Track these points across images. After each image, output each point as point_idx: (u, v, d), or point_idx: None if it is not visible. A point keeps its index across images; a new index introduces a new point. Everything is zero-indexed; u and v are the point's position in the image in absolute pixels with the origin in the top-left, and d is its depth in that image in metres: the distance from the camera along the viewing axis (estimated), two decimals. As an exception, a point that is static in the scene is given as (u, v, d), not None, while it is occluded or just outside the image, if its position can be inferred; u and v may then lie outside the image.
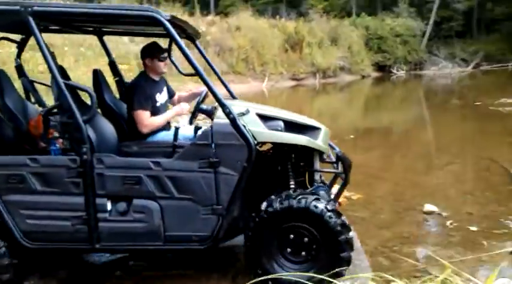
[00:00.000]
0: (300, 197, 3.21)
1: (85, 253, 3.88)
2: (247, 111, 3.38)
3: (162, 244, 3.25)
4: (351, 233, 3.20)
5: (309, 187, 3.64)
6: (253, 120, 3.36)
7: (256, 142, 3.23)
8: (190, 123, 3.78)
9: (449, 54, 29.03)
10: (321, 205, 3.17)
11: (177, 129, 3.62)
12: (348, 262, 3.16)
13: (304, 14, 27.94)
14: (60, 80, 3.12)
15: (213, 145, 3.18)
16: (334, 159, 3.84)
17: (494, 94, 13.90)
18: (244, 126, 3.20)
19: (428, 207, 4.92)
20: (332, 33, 25.80)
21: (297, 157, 3.68)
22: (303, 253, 3.25)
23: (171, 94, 4.18)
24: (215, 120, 3.27)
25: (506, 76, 23.11)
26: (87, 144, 3.13)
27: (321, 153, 3.62)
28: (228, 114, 3.17)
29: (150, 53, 3.81)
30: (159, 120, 3.74)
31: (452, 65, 28.11)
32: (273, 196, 3.27)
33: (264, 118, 3.48)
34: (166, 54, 3.84)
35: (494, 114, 11.25)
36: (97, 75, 3.92)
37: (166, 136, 3.70)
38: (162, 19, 3.06)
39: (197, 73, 3.22)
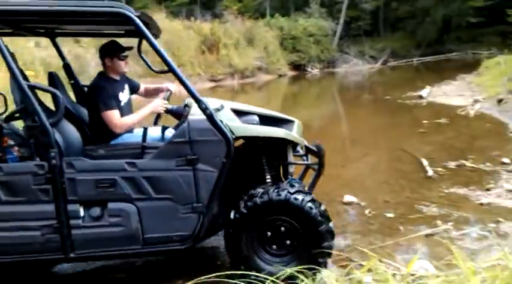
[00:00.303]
0: (279, 190, 3.19)
1: (58, 264, 3.72)
2: (222, 107, 3.33)
3: (141, 247, 3.15)
4: (331, 223, 3.21)
5: (283, 180, 3.68)
6: (229, 115, 3.32)
7: (234, 137, 3.19)
8: (155, 123, 3.71)
9: (359, 52, 30.37)
10: (300, 197, 3.17)
11: (145, 129, 3.45)
12: (329, 251, 3.17)
13: (219, 15, 27.91)
14: (23, 82, 3.00)
15: (190, 142, 3.13)
16: (302, 152, 3.86)
17: (402, 89, 14.74)
18: (221, 121, 3.15)
19: (348, 198, 5.08)
20: (247, 34, 26.01)
21: (270, 151, 3.63)
22: (285, 245, 3.24)
23: (135, 87, 4.01)
24: (191, 117, 3.21)
25: (412, 71, 24.62)
26: (55, 148, 3.00)
27: (294, 146, 3.64)
28: (204, 109, 3.12)
29: (110, 52, 3.63)
30: (131, 119, 3.54)
31: (362, 62, 29.44)
32: (252, 191, 3.24)
33: (239, 113, 3.46)
34: (127, 53, 3.68)
35: (402, 107, 11.92)
36: (53, 77, 3.67)
37: (131, 137, 3.54)
38: (132, 16, 2.91)
39: (170, 70, 3.14)
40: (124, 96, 3.69)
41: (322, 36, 29.59)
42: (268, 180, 3.48)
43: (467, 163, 6.27)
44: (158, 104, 3.57)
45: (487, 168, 6.04)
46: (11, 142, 3.16)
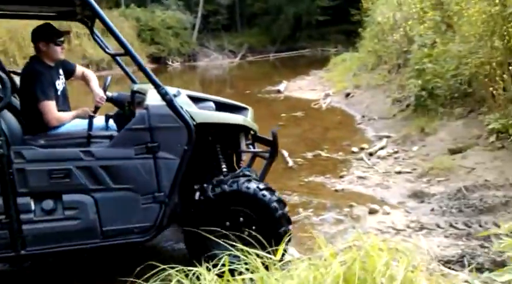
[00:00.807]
0: (231, 181, 3.12)
1: (7, 262, 3.39)
2: (179, 93, 3.18)
3: (100, 241, 2.98)
4: (287, 208, 3.20)
5: (237, 168, 3.59)
6: (186, 101, 3.18)
7: (195, 123, 3.09)
8: (95, 112, 3.44)
9: (218, 46, 30.83)
10: (253, 186, 3.11)
11: (91, 117, 3.25)
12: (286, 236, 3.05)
13: (70, 3, 26.01)
14: None
15: (150, 129, 3.00)
16: (249, 141, 3.77)
17: (261, 83, 15.31)
18: (181, 108, 3.04)
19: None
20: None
21: (223, 139, 3.52)
22: (243, 235, 3.02)
23: (70, 70, 3.74)
24: (150, 103, 3.07)
25: (269, 66, 25.72)
26: (2, 137, 2.76)
27: (246, 134, 3.58)
28: (164, 94, 3.00)
29: (46, 36, 3.37)
30: (67, 116, 3.37)
31: (222, 56, 29.95)
32: (205, 185, 3.17)
33: (194, 99, 3.33)
34: (63, 38, 3.48)
35: (262, 101, 12.38)
36: None
37: (72, 127, 3.34)
38: None
39: (126, 52, 2.99)
40: (60, 83, 3.47)
41: (181, 29, 29.38)
42: (225, 170, 3.40)
43: (323, 153, 6.76)
44: (85, 113, 3.39)
45: (340, 157, 6.58)
46: None
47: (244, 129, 3.53)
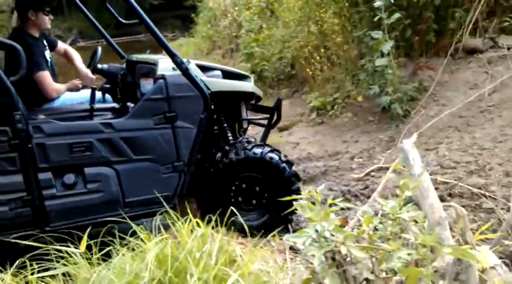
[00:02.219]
0: (255, 148, 3.28)
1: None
2: (189, 62, 3.14)
3: (124, 212, 2.91)
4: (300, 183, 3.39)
5: (238, 137, 3.64)
6: (197, 70, 3.19)
7: (210, 92, 3.13)
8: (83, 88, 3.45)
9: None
10: (275, 156, 3.29)
11: (94, 89, 3.20)
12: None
13: None
14: None
15: (168, 99, 3.03)
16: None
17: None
18: (196, 76, 3.07)
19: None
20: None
21: (226, 107, 3.54)
22: (254, 201, 3.34)
23: (52, 45, 3.67)
24: (166, 72, 3.09)
25: (102, 52, 24.36)
26: (20, 111, 2.67)
27: (246, 102, 3.66)
28: (180, 64, 3.02)
29: (35, 5, 3.29)
30: (62, 87, 3.33)
31: (50, 42, 27.63)
32: (227, 147, 3.30)
33: (201, 68, 3.31)
34: (49, 8, 3.40)
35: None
36: None
37: (66, 101, 3.27)
38: None
39: (141, 20, 2.97)
40: (47, 54, 3.43)
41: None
42: (230, 138, 3.49)
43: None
44: (75, 85, 3.42)
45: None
46: None
47: (245, 97, 3.63)
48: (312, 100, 6.21)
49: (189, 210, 2.43)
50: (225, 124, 3.56)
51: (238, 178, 3.32)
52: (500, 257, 3.03)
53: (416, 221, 1.76)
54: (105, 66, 3.66)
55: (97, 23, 3.77)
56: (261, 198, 3.38)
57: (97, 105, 3.22)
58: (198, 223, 2.16)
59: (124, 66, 3.81)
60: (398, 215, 1.73)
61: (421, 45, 5.63)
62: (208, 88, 3.16)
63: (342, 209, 3.66)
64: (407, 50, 5.69)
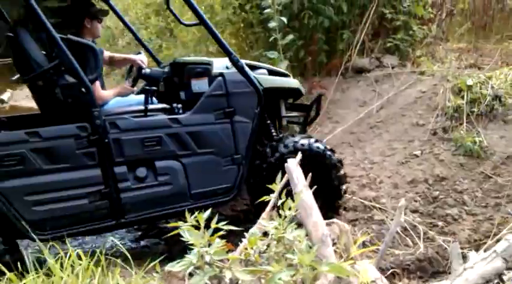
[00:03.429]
0: (301, 140, 3.41)
1: (108, 231, 3.40)
2: (239, 61, 3.30)
3: (190, 204, 3.10)
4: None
5: (278, 133, 3.68)
6: (248, 68, 3.34)
7: (262, 88, 3.33)
8: (133, 86, 3.58)
9: None
10: (321, 146, 3.46)
11: (147, 91, 3.25)
12: (344, 193, 3.60)
13: None
14: (56, 34, 2.73)
15: (227, 95, 3.23)
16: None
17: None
18: (250, 74, 3.27)
19: None
20: None
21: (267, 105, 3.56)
22: None
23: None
24: (224, 70, 3.29)
25: None
26: (98, 107, 2.82)
27: (285, 99, 3.79)
28: (236, 62, 3.23)
29: (91, 13, 3.40)
30: (109, 94, 3.33)
31: None
32: (274, 142, 3.43)
33: (250, 67, 3.43)
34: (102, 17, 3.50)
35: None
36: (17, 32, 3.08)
37: (117, 103, 3.29)
38: None
39: (202, 22, 3.15)
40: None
41: None
42: (274, 133, 3.59)
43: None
44: (126, 90, 3.45)
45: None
46: None
47: (290, 95, 3.80)
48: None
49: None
50: (268, 121, 3.65)
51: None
52: (391, 267, 3.20)
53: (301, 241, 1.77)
54: (148, 70, 3.72)
55: (131, 26, 3.97)
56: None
57: (151, 106, 3.28)
58: (79, 256, 2.00)
59: (166, 70, 3.91)
60: (282, 235, 1.73)
61: (314, 65, 5.87)
62: (261, 85, 3.37)
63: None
64: (301, 70, 5.89)
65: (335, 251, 1.88)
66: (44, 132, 2.73)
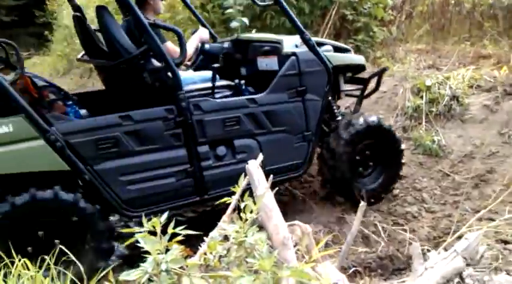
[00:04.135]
0: (371, 117, 3.63)
1: (191, 207, 3.64)
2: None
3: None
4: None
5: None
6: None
7: (332, 66, 3.45)
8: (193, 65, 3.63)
9: None
10: (386, 122, 3.76)
11: (214, 69, 3.30)
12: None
13: None
14: (145, 20, 2.83)
15: (300, 74, 3.34)
16: None
17: None
18: (321, 52, 3.38)
19: None
20: None
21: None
22: (371, 165, 3.75)
23: None
24: (297, 50, 3.39)
25: None
26: (183, 90, 2.91)
27: (345, 74, 3.84)
28: (308, 40, 3.34)
29: None
30: (190, 46, 3.43)
31: None
32: (344, 120, 3.60)
33: (316, 44, 3.48)
34: None
35: None
36: (103, 12, 3.13)
37: (183, 80, 3.07)
38: None
39: (276, 2, 3.33)
40: None
41: None
42: (336, 111, 3.73)
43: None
44: (202, 34, 3.60)
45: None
46: (53, 97, 2.94)
47: (353, 70, 3.88)
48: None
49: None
50: (330, 97, 3.70)
51: (360, 147, 3.68)
52: (353, 266, 3.21)
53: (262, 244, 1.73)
54: (207, 46, 3.69)
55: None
56: (376, 162, 3.78)
57: (218, 83, 3.34)
58: (27, 266, 1.89)
59: (225, 45, 3.91)
60: (243, 239, 1.68)
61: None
62: (330, 63, 3.47)
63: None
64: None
65: (297, 253, 1.85)
66: (135, 115, 2.85)
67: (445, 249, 2.48)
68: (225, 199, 1.88)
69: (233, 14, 5.36)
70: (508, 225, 3.15)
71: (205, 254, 1.72)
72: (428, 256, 2.26)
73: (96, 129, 2.74)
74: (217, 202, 1.95)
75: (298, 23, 3.37)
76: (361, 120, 3.59)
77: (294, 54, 3.39)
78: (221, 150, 3.18)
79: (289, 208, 3.77)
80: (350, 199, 3.69)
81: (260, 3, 3.95)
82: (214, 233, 1.87)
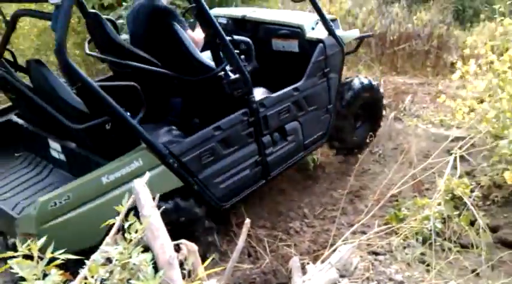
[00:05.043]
0: (363, 79, 4.51)
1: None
2: (318, 21, 4.10)
3: (304, 153, 3.98)
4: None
5: None
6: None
7: (344, 45, 4.14)
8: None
9: None
10: (373, 82, 4.61)
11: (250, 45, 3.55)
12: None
13: None
14: (226, 38, 3.10)
15: (326, 58, 3.95)
16: None
17: None
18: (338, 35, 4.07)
19: None
20: None
21: None
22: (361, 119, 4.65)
23: None
24: (324, 37, 3.99)
25: None
26: (253, 94, 3.31)
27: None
28: (330, 26, 3.99)
29: None
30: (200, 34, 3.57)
31: None
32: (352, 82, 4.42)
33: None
34: None
35: None
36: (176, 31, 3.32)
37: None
38: None
39: None
40: None
41: None
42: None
43: None
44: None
45: None
46: None
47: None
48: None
49: None
50: None
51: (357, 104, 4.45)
52: (239, 282, 3.26)
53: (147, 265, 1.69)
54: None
55: None
56: (365, 116, 4.64)
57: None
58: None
59: (223, 21, 4.38)
60: (127, 260, 1.64)
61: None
62: (343, 42, 4.08)
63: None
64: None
65: (183, 272, 1.84)
66: (223, 124, 3.24)
67: (322, 262, 2.63)
68: (110, 220, 1.81)
69: (119, 25, 5.23)
70: (379, 238, 3.42)
71: (85, 278, 1.65)
72: (307, 269, 2.38)
73: (198, 145, 3.10)
74: (104, 224, 1.86)
75: (323, 11, 3.95)
76: (357, 82, 4.40)
77: (320, 41, 3.97)
78: (276, 136, 3.67)
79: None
80: (347, 148, 4.72)
81: None
82: (96, 256, 1.80)
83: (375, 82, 4.63)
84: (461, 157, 4.01)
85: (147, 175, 2.11)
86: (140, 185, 1.98)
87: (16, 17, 3.20)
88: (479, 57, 4.92)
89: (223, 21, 4.36)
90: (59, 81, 2.91)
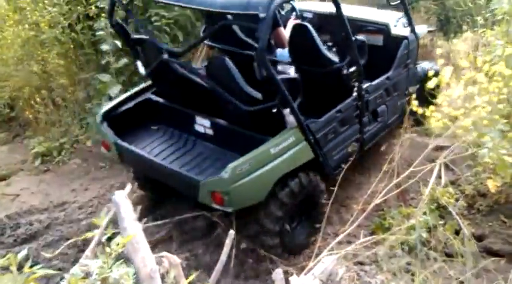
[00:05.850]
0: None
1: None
2: (398, 19, 4.85)
3: (386, 131, 4.64)
4: None
5: None
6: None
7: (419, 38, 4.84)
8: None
9: None
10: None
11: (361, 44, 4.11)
12: None
13: None
14: (352, 38, 3.65)
15: (408, 52, 4.61)
16: None
17: None
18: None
19: None
20: None
21: None
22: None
23: None
24: (408, 34, 4.68)
25: None
26: (362, 83, 3.94)
27: None
28: (412, 25, 4.67)
29: None
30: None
31: None
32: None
33: None
34: None
35: None
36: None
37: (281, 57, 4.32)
38: None
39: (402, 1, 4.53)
40: None
41: None
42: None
43: None
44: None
45: None
46: None
47: None
48: (36, 145, 5.64)
49: None
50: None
51: None
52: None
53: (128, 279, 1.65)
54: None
55: None
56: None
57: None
58: None
59: (309, 16, 5.00)
60: (108, 274, 1.60)
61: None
62: (418, 37, 4.82)
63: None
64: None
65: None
66: (342, 107, 3.87)
67: (306, 273, 2.60)
68: (88, 233, 1.77)
69: (104, 36, 5.21)
70: (364, 248, 3.41)
71: (65, 293, 1.61)
72: (290, 280, 2.35)
73: (327, 124, 3.76)
74: (83, 237, 1.82)
75: (410, 14, 4.68)
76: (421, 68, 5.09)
77: (405, 37, 4.60)
78: (371, 117, 4.31)
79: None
80: None
81: (391, 3, 4.73)
82: (76, 270, 1.76)
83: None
84: (446, 166, 4.02)
85: (128, 187, 2.07)
86: (121, 197, 1.95)
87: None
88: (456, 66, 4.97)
89: (309, 15, 4.99)
90: (238, 74, 3.50)
